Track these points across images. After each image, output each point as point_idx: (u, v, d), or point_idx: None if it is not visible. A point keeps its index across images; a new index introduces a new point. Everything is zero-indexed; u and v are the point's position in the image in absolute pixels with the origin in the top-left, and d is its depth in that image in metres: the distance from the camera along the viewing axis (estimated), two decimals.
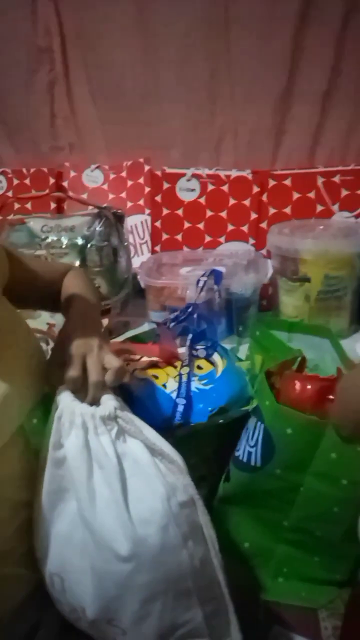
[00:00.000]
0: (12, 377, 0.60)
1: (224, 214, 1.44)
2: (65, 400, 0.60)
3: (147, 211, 1.49)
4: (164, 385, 0.83)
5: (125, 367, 0.67)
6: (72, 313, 0.73)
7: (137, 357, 0.92)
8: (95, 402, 0.61)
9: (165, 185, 1.47)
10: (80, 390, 0.61)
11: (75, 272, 0.86)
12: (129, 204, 1.51)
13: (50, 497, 0.59)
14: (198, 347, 0.94)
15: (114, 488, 0.55)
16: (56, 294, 0.81)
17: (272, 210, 1.42)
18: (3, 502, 0.61)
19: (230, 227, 1.44)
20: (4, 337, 0.63)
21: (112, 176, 1.55)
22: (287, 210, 1.41)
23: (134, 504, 0.55)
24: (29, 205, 1.52)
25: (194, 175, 1.45)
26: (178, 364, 0.90)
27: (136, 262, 1.39)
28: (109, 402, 0.60)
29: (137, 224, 1.49)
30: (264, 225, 1.42)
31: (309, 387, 0.73)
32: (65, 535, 0.59)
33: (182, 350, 0.93)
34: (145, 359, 0.91)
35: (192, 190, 1.45)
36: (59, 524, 0.59)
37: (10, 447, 0.61)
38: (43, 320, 1.06)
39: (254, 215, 1.42)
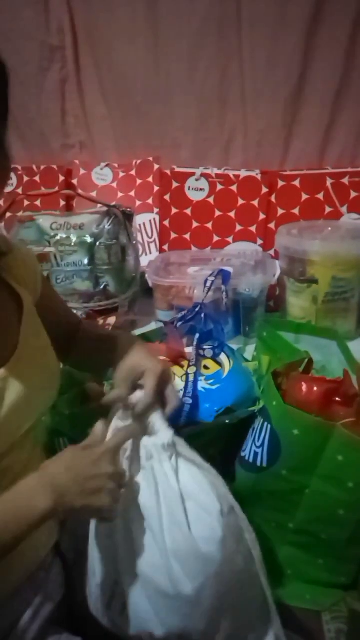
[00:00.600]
0: (32, 379, 0.63)
1: (232, 214, 1.44)
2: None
3: (156, 210, 1.49)
4: None
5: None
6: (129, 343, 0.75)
7: None
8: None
9: (175, 185, 1.47)
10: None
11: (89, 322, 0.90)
12: (138, 203, 1.51)
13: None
14: (205, 347, 0.94)
15: (177, 512, 0.59)
16: (72, 335, 0.83)
17: (280, 211, 1.41)
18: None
19: (238, 227, 1.44)
20: (29, 342, 0.66)
21: (121, 175, 1.55)
22: (296, 211, 1.40)
23: (194, 525, 0.58)
24: (38, 203, 1.53)
25: (203, 175, 1.45)
26: (185, 363, 0.90)
27: (144, 261, 1.40)
28: (167, 429, 0.64)
29: (146, 223, 1.50)
30: (272, 225, 1.42)
31: (315, 389, 0.73)
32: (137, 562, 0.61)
33: (189, 350, 0.93)
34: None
35: (201, 189, 1.45)
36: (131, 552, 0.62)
37: (25, 439, 0.65)
38: None
39: (262, 216, 1.42)
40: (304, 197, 1.39)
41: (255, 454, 0.76)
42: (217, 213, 1.45)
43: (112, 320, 1.15)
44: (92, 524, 0.66)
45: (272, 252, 1.40)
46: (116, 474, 0.59)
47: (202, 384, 0.85)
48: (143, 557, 0.60)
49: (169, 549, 0.57)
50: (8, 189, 1.57)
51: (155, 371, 0.67)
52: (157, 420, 0.64)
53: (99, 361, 0.80)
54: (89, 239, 1.24)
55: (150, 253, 1.49)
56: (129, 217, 1.29)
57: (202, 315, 1.05)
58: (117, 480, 0.59)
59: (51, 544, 0.71)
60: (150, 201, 1.50)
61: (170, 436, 0.63)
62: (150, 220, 1.49)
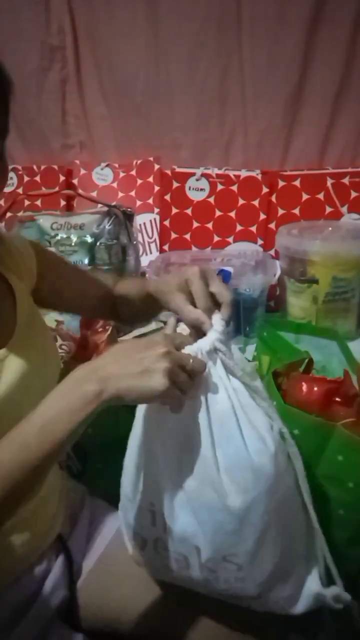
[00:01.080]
0: (30, 361, 0.64)
1: (232, 214, 1.44)
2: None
3: (156, 210, 1.49)
4: None
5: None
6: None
7: None
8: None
9: (175, 185, 1.47)
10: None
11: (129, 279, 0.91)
12: (138, 203, 1.51)
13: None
14: None
15: (229, 423, 0.55)
16: (110, 300, 0.84)
17: (281, 211, 1.41)
18: None
19: (238, 228, 1.44)
20: (24, 327, 0.67)
21: (121, 174, 1.55)
22: (296, 211, 1.40)
23: (247, 437, 0.55)
24: (38, 203, 1.53)
25: (204, 175, 1.45)
26: None
27: (144, 261, 1.40)
28: (212, 332, 0.60)
29: (146, 223, 1.50)
30: (272, 225, 1.42)
31: (315, 389, 0.73)
32: (183, 477, 0.58)
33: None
34: None
35: (202, 189, 1.46)
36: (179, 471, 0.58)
37: None
38: (52, 318, 1.06)
39: (262, 216, 1.42)
40: (304, 197, 1.39)
41: None
42: (218, 213, 1.45)
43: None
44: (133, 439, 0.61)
45: (272, 252, 1.40)
46: (173, 354, 0.53)
47: None
48: (190, 471, 0.57)
49: (220, 461, 0.55)
50: (8, 189, 1.57)
51: (195, 274, 0.65)
52: (215, 322, 0.61)
53: (149, 312, 0.83)
54: (89, 239, 1.24)
55: (151, 253, 1.49)
56: (129, 217, 1.29)
57: None
58: (176, 361, 0.53)
59: (53, 535, 0.71)
60: (150, 201, 1.50)
61: (210, 341, 0.58)
62: (150, 220, 1.49)
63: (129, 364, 0.52)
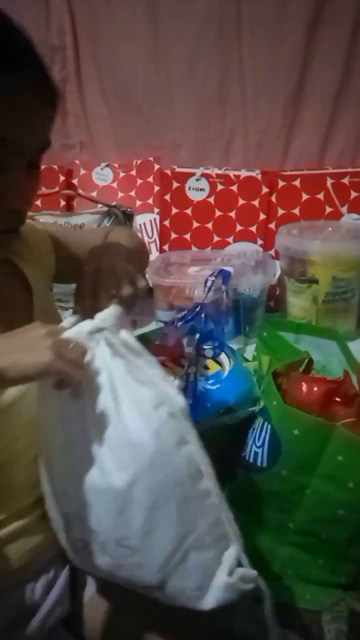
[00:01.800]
0: None
1: (232, 214, 1.44)
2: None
3: (156, 210, 1.49)
4: None
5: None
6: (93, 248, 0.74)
7: None
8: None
9: (175, 185, 1.47)
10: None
11: (118, 230, 0.89)
12: (138, 203, 1.51)
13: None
14: (205, 347, 0.94)
15: (107, 399, 0.55)
16: None
17: (281, 211, 1.42)
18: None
19: (238, 227, 1.44)
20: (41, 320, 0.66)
21: (121, 175, 1.55)
22: (296, 211, 1.41)
23: (127, 412, 0.55)
24: (38, 203, 1.53)
25: (204, 175, 1.45)
26: (185, 363, 0.90)
27: None
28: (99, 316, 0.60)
29: (146, 223, 1.50)
30: (272, 225, 1.42)
31: (315, 389, 0.73)
32: (66, 459, 0.58)
33: (189, 350, 0.93)
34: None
35: (202, 189, 1.46)
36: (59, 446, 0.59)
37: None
38: None
39: (262, 216, 1.42)
40: (304, 197, 1.39)
41: (256, 454, 0.76)
42: (218, 213, 1.45)
43: None
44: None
45: (272, 252, 1.40)
46: (55, 336, 0.52)
47: (202, 384, 0.85)
48: (78, 453, 0.57)
49: (102, 439, 0.55)
50: None
51: (89, 274, 0.66)
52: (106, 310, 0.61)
53: None
54: None
55: (151, 253, 1.49)
56: (129, 217, 1.29)
57: (202, 316, 1.05)
58: (58, 340, 0.52)
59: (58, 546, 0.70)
60: (150, 201, 1.50)
61: (92, 323, 0.59)
62: (150, 220, 1.49)
63: (10, 343, 0.50)
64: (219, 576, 0.56)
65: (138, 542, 0.55)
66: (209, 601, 0.55)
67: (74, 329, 0.58)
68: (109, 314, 0.61)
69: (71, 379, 0.52)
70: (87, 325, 0.59)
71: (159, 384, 0.59)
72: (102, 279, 0.65)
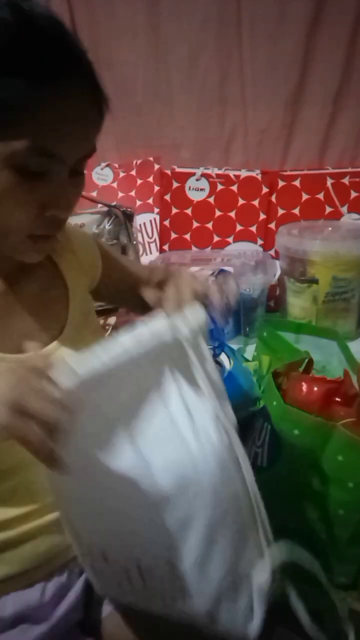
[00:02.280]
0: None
1: (232, 214, 1.44)
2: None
3: (156, 210, 1.49)
4: None
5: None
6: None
7: None
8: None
9: (175, 185, 1.47)
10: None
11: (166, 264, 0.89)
12: (138, 203, 1.51)
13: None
14: None
15: (178, 413, 0.52)
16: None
17: (281, 211, 1.42)
18: None
19: (238, 227, 1.44)
20: (74, 328, 0.66)
21: (121, 174, 1.55)
22: (296, 211, 1.41)
23: (192, 428, 0.52)
24: None
25: (204, 175, 1.45)
26: None
27: (145, 261, 1.40)
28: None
29: (146, 223, 1.50)
30: (272, 225, 1.42)
31: (315, 389, 0.73)
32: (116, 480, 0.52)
33: None
34: None
35: (202, 189, 1.46)
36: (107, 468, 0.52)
37: None
38: None
39: (262, 216, 1.42)
40: (304, 197, 1.39)
41: (256, 454, 0.76)
42: (218, 213, 1.45)
43: (112, 320, 1.15)
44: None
45: (272, 252, 1.40)
46: (31, 380, 0.43)
47: None
48: (127, 476, 0.51)
49: (159, 459, 0.51)
50: None
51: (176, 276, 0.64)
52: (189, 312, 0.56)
53: None
54: None
55: (151, 253, 1.49)
56: (129, 217, 1.29)
57: None
58: (34, 388, 0.42)
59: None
60: (150, 201, 1.50)
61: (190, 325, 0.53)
62: (150, 220, 1.49)
63: None
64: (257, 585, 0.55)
65: (190, 571, 0.54)
66: (257, 620, 0.54)
67: (163, 324, 0.52)
68: (198, 313, 0.55)
69: (40, 452, 0.41)
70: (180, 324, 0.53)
71: (216, 403, 0.55)
72: (184, 286, 0.61)
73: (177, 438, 0.52)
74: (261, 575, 0.54)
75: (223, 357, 0.92)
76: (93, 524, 0.55)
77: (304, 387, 0.73)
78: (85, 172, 0.59)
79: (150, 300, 0.64)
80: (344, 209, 1.37)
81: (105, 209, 1.27)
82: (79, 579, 0.68)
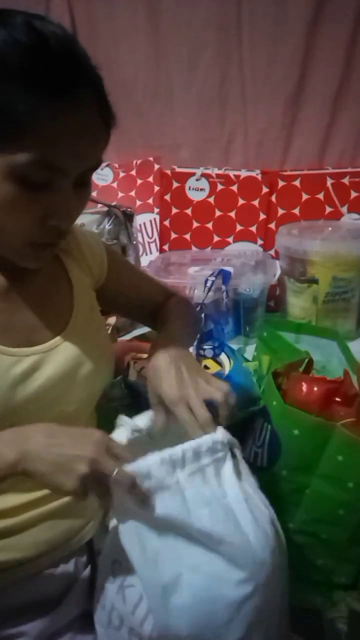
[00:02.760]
0: (78, 356, 0.66)
1: (232, 214, 1.44)
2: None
3: (156, 210, 1.49)
4: None
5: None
6: (163, 339, 0.72)
7: (145, 355, 0.93)
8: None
9: (175, 185, 1.47)
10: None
11: (181, 299, 0.87)
12: (138, 203, 1.51)
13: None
14: (205, 347, 0.94)
15: (230, 514, 0.56)
16: (155, 312, 0.83)
17: (281, 211, 1.41)
18: None
19: (238, 227, 1.44)
20: (78, 324, 0.68)
21: (121, 174, 1.55)
22: (296, 211, 1.40)
23: (251, 529, 0.56)
24: None
25: (204, 175, 1.45)
26: None
27: (144, 261, 1.40)
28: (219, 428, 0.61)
29: (146, 223, 1.50)
30: (272, 225, 1.42)
31: (315, 389, 0.73)
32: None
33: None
34: None
35: (202, 189, 1.45)
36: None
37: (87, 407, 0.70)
38: None
39: (262, 216, 1.42)
40: (304, 197, 1.39)
41: (256, 454, 0.76)
42: (218, 213, 1.45)
43: (112, 320, 1.15)
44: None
45: (272, 252, 1.40)
46: (98, 463, 0.51)
47: None
48: (188, 565, 0.55)
49: (223, 551, 0.55)
50: None
51: (170, 399, 0.63)
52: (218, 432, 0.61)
53: None
54: None
55: (151, 253, 1.49)
56: (129, 217, 1.29)
57: (202, 315, 1.05)
58: (97, 470, 0.51)
59: (85, 536, 0.69)
60: (150, 201, 1.50)
61: (224, 434, 0.60)
62: (150, 220, 1.49)
63: (54, 448, 0.52)
64: None
65: None
66: None
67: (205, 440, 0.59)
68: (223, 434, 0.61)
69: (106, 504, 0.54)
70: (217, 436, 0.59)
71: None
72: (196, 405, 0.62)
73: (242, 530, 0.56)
74: None
75: (223, 357, 0.92)
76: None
77: (304, 387, 0.73)
78: (91, 183, 0.59)
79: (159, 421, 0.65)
80: (344, 209, 1.37)
81: (105, 209, 1.27)
82: (85, 569, 0.69)
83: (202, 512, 0.55)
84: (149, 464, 0.55)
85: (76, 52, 0.51)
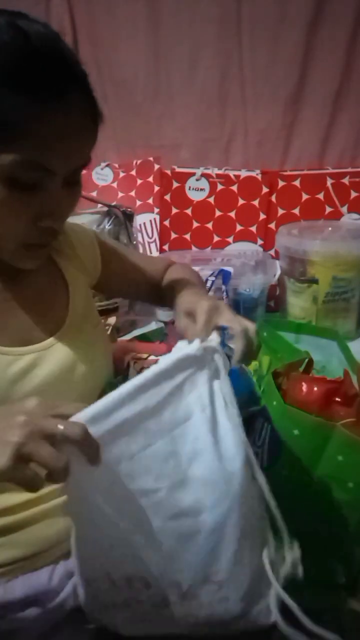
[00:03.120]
0: (74, 355, 0.66)
1: (232, 214, 1.44)
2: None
3: (156, 210, 1.49)
4: None
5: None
6: (186, 292, 0.73)
7: (145, 355, 0.93)
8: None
9: (175, 185, 1.47)
10: None
11: (178, 265, 0.89)
12: (138, 203, 1.51)
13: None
14: None
15: (206, 435, 0.54)
16: (159, 288, 0.85)
17: (280, 211, 1.42)
18: None
19: (238, 227, 1.44)
20: (74, 323, 0.68)
21: (121, 174, 1.55)
22: (296, 211, 1.41)
23: (225, 442, 0.54)
24: None
25: (204, 175, 1.45)
26: None
27: None
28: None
29: (146, 223, 1.50)
30: (272, 225, 1.42)
31: (315, 389, 0.73)
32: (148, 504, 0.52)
33: None
34: (152, 357, 0.91)
35: (202, 189, 1.46)
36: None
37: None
38: None
39: (262, 216, 1.42)
40: (304, 197, 1.39)
41: (256, 454, 0.76)
42: (218, 213, 1.45)
43: (112, 320, 1.15)
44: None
45: (272, 252, 1.40)
46: (33, 424, 0.43)
47: None
48: (150, 510, 0.52)
49: (191, 478, 0.52)
50: None
51: (203, 308, 0.65)
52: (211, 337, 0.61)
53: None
54: None
55: (151, 253, 1.49)
56: (129, 217, 1.29)
57: None
58: (36, 432, 0.43)
59: None
60: (150, 201, 1.50)
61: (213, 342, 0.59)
62: (150, 220, 1.49)
63: None
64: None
65: (227, 575, 0.54)
66: (274, 612, 0.56)
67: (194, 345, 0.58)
68: (215, 338, 0.62)
69: (31, 485, 0.43)
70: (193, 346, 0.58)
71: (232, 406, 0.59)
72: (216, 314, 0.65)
73: (212, 450, 0.54)
74: (285, 564, 0.58)
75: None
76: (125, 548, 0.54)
77: (304, 387, 0.73)
78: (81, 181, 0.59)
79: (179, 328, 0.66)
80: (344, 209, 1.38)
81: (105, 209, 1.27)
82: None
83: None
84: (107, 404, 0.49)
85: (62, 51, 0.51)
